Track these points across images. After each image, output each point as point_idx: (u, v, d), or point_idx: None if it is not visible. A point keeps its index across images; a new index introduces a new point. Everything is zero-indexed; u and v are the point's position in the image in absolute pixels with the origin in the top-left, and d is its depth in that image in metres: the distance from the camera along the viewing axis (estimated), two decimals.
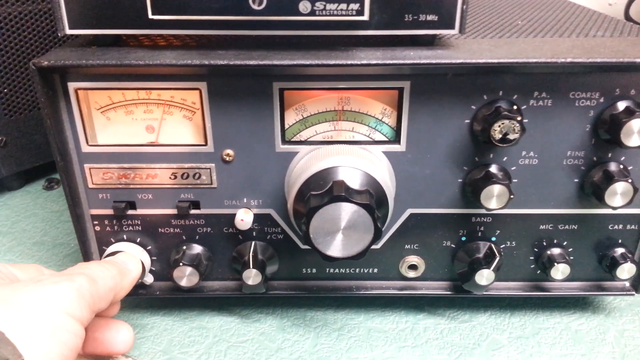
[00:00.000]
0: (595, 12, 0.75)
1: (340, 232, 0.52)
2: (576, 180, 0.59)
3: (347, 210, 0.51)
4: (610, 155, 0.58)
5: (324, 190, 0.52)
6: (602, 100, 0.55)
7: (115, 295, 0.52)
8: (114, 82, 0.55)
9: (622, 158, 0.58)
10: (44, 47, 0.90)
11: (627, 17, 1.11)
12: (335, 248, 0.53)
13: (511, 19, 0.69)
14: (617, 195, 0.56)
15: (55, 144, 0.56)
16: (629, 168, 0.58)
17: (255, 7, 0.50)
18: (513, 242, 0.63)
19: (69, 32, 0.54)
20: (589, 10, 0.78)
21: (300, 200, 0.54)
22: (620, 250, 0.63)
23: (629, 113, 0.53)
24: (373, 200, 0.52)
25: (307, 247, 0.62)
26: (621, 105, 0.54)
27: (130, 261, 0.58)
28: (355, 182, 0.53)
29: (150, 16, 0.51)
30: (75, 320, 0.44)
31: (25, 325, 0.41)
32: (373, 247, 0.62)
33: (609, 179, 0.56)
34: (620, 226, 0.62)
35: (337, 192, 0.50)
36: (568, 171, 0.58)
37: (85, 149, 0.58)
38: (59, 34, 0.54)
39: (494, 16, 0.72)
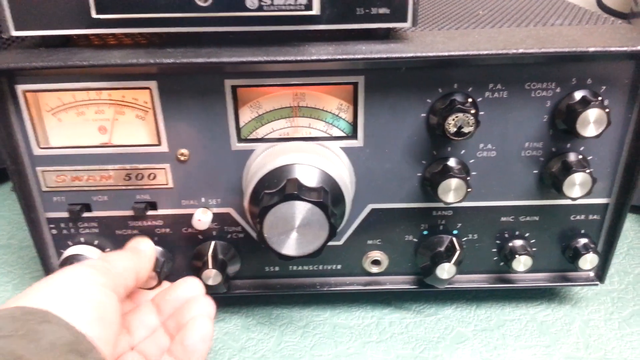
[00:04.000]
0: (559, 0, 0.75)
1: (294, 231, 0.51)
2: (535, 171, 0.59)
3: (300, 209, 0.50)
4: (569, 145, 0.57)
5: (277, 188, 0.51)
6: (558, 90, 0.54)
7: (137, 273, 0.53)
8: (63, 84, 0.54)
9: (582, 148, 0.57)
10: None
11: (600, 3, 1.10)
12: (290, 247, 0.52)
13: (473, 9, 0.69)
14: (576, 185, 0.55)
15: (5, 147, 0.55)
16: (588, 158, 0.57)
17: (201, 3, 0.49)
18: (475, 235, 0.63)
19: (14, 33, 0.52)
20: None
21: (255, 199, 0.53)
22: (583, 241, 0.62)
23: (585, 103, 0.52)
24: (328, 198, 0.51)
25: None
26: (578, 95, 0.54)
27: (141, 242, 0.58)
28: (309, 179, 0.52)
29: (94, 15, 0.50)
30: (108, 288, 0.46)
31: (74, 305, 0.42)
32: (335, 243, 0.62)
33: (567, 169, 0.55)
34: (583, 216, 0.62)
35: (290, 191, 0.50)
36: (527, 162, 0.58)
37: (37, 151, 0.57)
38: (4, 36, 0.52)
39: (455, 7, 0.71)
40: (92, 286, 0.45)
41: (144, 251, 0.56)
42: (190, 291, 0.57)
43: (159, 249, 0.62)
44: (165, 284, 0.60)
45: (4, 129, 0.55)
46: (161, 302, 0.56)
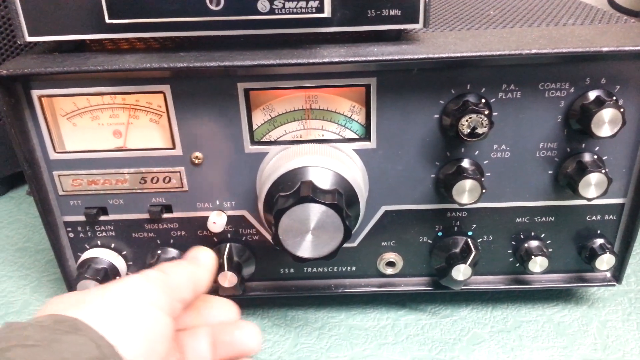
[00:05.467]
0: None
1: (309, 233, 0.51)
2: (550, 172, 0.58)
3: (315, 211, 0.50)
4: (583, 145, 0.57)
5: (292, 191, 0.51)
6: (572, 90, 0.54)
7: (196, 285, 0.50)
8: (78, 88, 0.55)
9: (596, 148, 0.57)
10: (9, 54, 0.89)
11: (612, 2, 1.09)
12: (305, 249, 0.52)
13: (484, 10, 0.68)
14: (592, 186, 0.55)
15: (21, 152, 0.56)
16: (604, 158, 0.57)
17: (212, 7, 0.50)
18: (490, 236, 0.63)
19: (28, 39, 0.53)
20: None
21: (269, 202, 0.53)
22: (599, 241, 0.62)
23: (600, 103, 0.52)
24: (342, 200, 0.51)
25: None
26: (592, 95, 0.53)
27: (200, 252, 0.55)
28: (323, 181, 0.52)
29: (108, 20, 0.50)
30: (157, 309, 0.44)
31: (112, 317, 0.40)
32: (349, 245, 0.62)
33: (583, 170, 0.55)
34: (599, 217, 0.61)
35: (305, 193, 0.50)
36: (541, 163, 0.58)
37: (53, 156, 0.58)
38: (19, 42, 0.53)
39: (466, 7, 0.70)
40: (148, 310, 0.43)
41: (203, 261, 0.54)
42: (250, 340, 0.53)
43: (175, 251, 0.63)
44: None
45: (20, 134, 0.55)
46: (219, 337, 0.52)
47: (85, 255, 0.62)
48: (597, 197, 0.55)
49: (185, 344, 0.51)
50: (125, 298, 0.43)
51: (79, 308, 0.40)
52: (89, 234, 0.63)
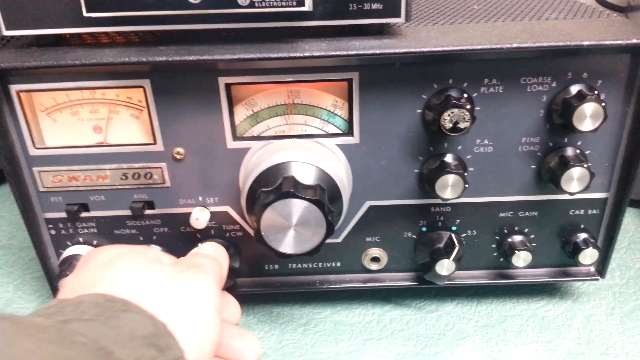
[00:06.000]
0: None
1: (292, 229, 0.51)
2: (533, 166, 0.58)
3: (297, 207, 0.50)
4: (566, 140, 0.57)
5: (274, 186, 0.51)
6: (554, 84, 0.54)
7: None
8: (57, 83, 0.54)
9: (579, 142, 0.57)
10: None
11: None
12: (288, 245, 0.52)
13: (467, 4, 0.68)
14: (574, 180, 0.55)
15: (0, 148, 0.55)
16: (586, 152, 0.57)
17: (192, 0, 0.49)
18: (474, 231, 0.62)
19: (5, 32, 0.52)
20: None
21: (251, 198, 0.53)
22: (582, 236, 0.62)
23: (581, 97, 0.52)
24: (325, 195, 0.51)
25: None
26: (574, 89, 0.53)
27: (218, 247, 0.56)
28: (306, 177, 0.52)
29: (85, 14, 0.50)
30: (217, 312, 0.44)
31: (184, 319, 0.41)
32: (334, 240, 0.62)
33: (565, 164, 0.55)
34: (582, 211, 0.61)
35: (286, 188, 0.49)
36: (524, 158, 0.58)
37: (33, 152, 0.57)
38: None
39: (449, 1, 0.70)
40: (207, 309, 0.43)
41: (225, 255, 0.55)
42: (249, 354, 0.53)
43: (158, 248, 0.62)
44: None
45: None
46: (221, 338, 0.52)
47: (67, 252, 0.62)
48: (580, 192, 0.55)
49: None
50: (197, 300, 0.43)
51: (131, 290, 0.40)
52: (71, 230, 0.62)
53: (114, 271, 0.43)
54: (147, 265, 0.45)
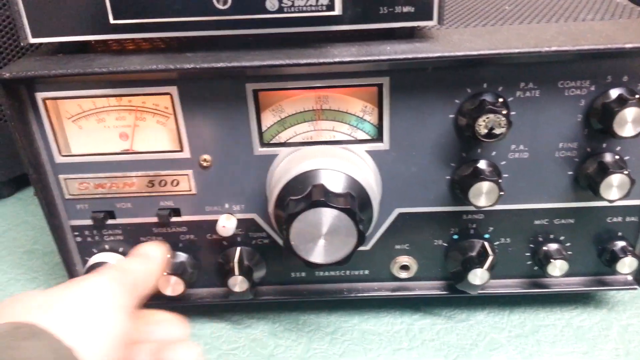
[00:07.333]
0: None
1: (322, 238, 0.50)
2: (570, 172, 0.56)
3: (327, 215, 0.49)
4: (604, 145, 0.55)
5: (303, 195, 0.50)
6: (593, 88, 0.52)
7: (148, 282, 0.49)
8: (83, 90, 0.53)
9: (618, 148, 0.55)
10: (12, 56, 0.86)
11: None
12: (318, 254, 0.51)
13: (499, 4, 0.66)
14: (613, 187, 0.53)
15: (26, 156, 0.55)
16: (625, 158, 0.55)
17: (220, 6, 0.48)
18: (508, 239, 0.61)
19: (32, 40, 0.52)
20: None
21: (280, 206, 0.52)
22: (620, 244, 0.60)
23: (622, 101, 0.50)
24: (355, 204, 0.50)
25: None
26: (614, 93, 0.51)
27: (148, 248, 0.53)
28: (335, 185, 0.51)
29: (112, 21, 0.49)
30: (118, 310, 0.42)
31: (71, 320, 0.39)
32: (362, 248, 0.61)
33: (604, 171, 0.53)
34: (620, 219, 0.59)
35: (317, 197, 0.48)
36: (561, 164, 0.56)
37: (59, 159, 0.57)
38: (22, 43, 0.52)
39: (480, 2, 0.68)
40: (109, 312, 0.42)
41: (153, 256, 0.52)
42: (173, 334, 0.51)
43: (184, 255, 0.62)
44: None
45: (25, 137, 0.54)
46: (160, 355, 0.49)
47: (93, 260, 0.61)
48: (620, 199, 0.53)
49: (127, 357, 0.48)
50: (86, 300, 0.41)
51: (38, 311, 0.39)
52: (97, 238, 0.61)
53: (25, 300, 0.41)
54: (58, 286, 0.43)
